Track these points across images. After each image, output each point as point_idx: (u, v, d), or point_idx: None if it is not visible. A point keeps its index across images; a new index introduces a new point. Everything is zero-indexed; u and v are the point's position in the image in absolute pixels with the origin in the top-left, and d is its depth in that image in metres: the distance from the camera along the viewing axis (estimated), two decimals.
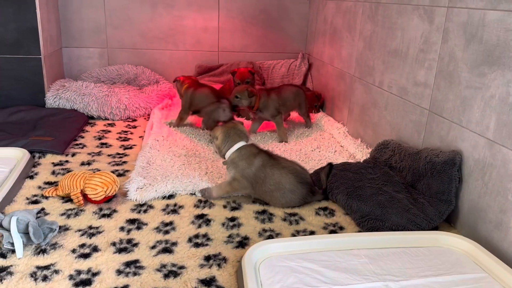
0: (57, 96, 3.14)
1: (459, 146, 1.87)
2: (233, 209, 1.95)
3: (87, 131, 2.90)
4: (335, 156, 2.56)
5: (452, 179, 1.81)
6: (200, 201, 2.00)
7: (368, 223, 1.78)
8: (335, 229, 1.82)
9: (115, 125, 3.06)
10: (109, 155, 2.49)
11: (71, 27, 3.59)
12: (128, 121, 3.18)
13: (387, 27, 2.46)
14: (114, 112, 3.16)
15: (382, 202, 1.84)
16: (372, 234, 1.68)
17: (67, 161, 2.37)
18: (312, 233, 1.78)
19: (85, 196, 1.90)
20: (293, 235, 1.76)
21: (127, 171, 2.28)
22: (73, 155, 2.46)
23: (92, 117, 3.17)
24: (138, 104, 3.26)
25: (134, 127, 3.03)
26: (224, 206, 1.97)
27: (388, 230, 1.76)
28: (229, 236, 1.73)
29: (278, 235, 1.76)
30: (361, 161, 2.38)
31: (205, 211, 1.92)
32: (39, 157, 2.39)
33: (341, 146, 2.75)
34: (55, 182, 2.12)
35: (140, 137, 2.83)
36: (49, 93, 3.17)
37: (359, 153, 2.55)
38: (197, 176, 2.20)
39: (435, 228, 1.83)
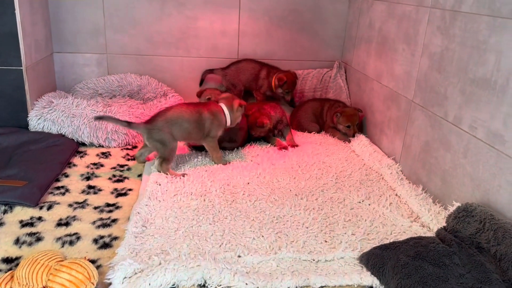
0: (42, 117, 2.57)
1: None
2: None
3: (74, 165, 2.32)
4: (392, 215, 1.93)
5: None
6: None
7: None
8: None
9: (110, 155, 2.47)
10: (95, 208, 1.91)
11: (63, 29, 3.01)
12: (128, 149, 2.59)
13: (470, 45, 1.81)
14: (110, 137, 2.58)
15: None
16: None
17: (39, 218, 1.80)
18: None
19: None
20: None
21: (115, 238, 1.70)
22: (49, 207, 1.89)
23: (83, 144, 2.59)
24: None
25: (134, 159, 2.44)
26: None
27: None
28: None
29: None
30: (433, 230, 1.76)
31: None
32: (4, 212, 1.83)
33: (397, 195, 2.13)
34: (16, 260, 1.55)
35: (138, 175, 2.25)
36: (32, 112, 2.60)
37: (425, 212, 1.91)
38: (210, 249, 1.62)
39: None
